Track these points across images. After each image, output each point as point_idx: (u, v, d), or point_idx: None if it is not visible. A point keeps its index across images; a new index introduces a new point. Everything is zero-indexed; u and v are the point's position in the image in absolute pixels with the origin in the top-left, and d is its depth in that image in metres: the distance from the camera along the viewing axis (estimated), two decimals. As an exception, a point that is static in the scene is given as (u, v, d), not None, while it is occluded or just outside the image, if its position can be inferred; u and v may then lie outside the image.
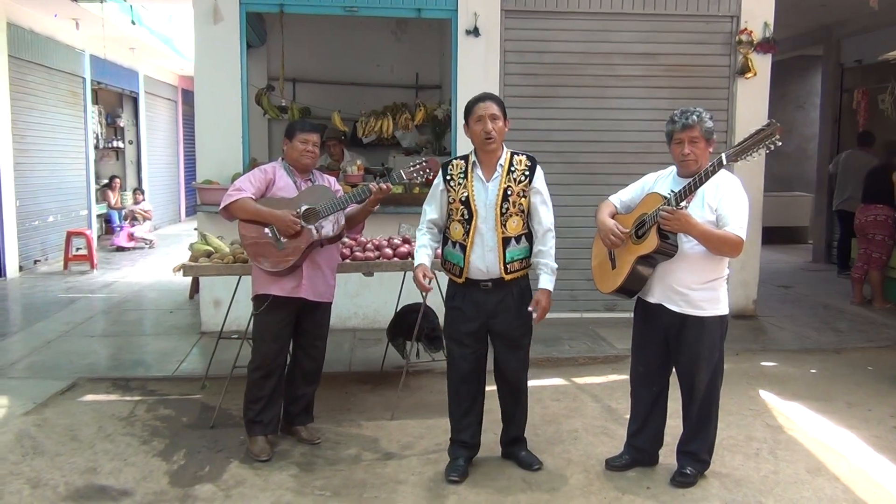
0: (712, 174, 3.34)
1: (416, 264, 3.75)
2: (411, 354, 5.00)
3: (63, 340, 6.43)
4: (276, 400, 4.13)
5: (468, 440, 3.83)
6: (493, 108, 3.61)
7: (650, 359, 3.78)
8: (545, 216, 3.72)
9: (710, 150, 3.56)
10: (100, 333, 6.79)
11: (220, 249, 4.71)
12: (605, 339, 6.40)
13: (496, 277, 3.64)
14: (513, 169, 3.66)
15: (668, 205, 3.35)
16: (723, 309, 3.62)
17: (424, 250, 3.78)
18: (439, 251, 3.90)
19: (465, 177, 3.68)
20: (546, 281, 3.70)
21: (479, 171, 3.67)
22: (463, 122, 3.75)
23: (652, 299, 3.65)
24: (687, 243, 3.48)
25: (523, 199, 3.65)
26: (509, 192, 3.63)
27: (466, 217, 3.65)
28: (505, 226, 3.62)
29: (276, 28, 8.10)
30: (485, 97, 3.67)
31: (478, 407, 3.86)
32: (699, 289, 3.54)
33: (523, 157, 3.71)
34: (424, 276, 3.67)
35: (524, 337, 3.80)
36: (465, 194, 3.65)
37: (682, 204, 3.38)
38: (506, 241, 3.62)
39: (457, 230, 3.69)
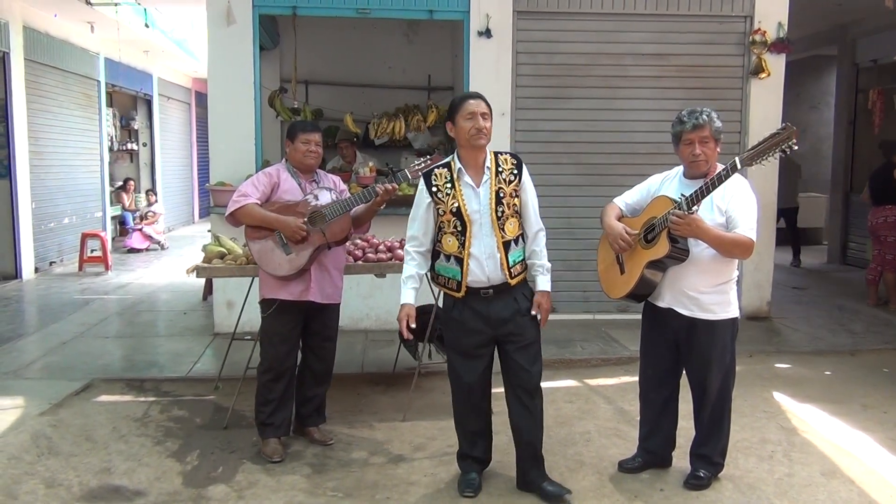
0: (725, 178, 3.30)
1: (401, 301, 3.52)
2: (423, 356, 5.00)
3: (78, 341, 6.47)
4: (286, 402, 4.14)
5: (480, 455, 3.70)
6: (484, 107, 3.44)
7: (659, 362, 3.76)
8: (535, 216, 3.57)
9: (718, 150, 3.53)
10: (114, 335, 6.83)
11: (233, 251, 4.73)
12: (617, 340, 6.38)
13: (499, 283, 3.46)
14: (500, 169, 3.48)
15: (679, 209, 3.32)
16: (733, 311, 3.60)
17: (412, 283, 3.55)
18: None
19: (453, 186, 3.47)
20: (544, 282, 3.56)
21: (466, 178, 3.47)
22: (447, 121, 3.53)
23: (662, 303, 3.63)
24: (696, 247, 3.45)
25: (516, 199, 3.49)
26: (502, 195, 3.45)
27: (460, 228, 3.45)
28: (503, 229, 3.45)
29: (288, 30, 8.12)
30: (475, 95, 3.50)
31: (488, 421, 3.71)
32: (710, 292, 3.52)
33: (507, 156, 3.54)
34: (408, 321, 3.49)
35: (537, 339, 3.57)
36: (456, 204, 3.45)
37: (694, 208, 3.34)
38: (507, 245, 3.46)
39: (450, 243, 3.48)
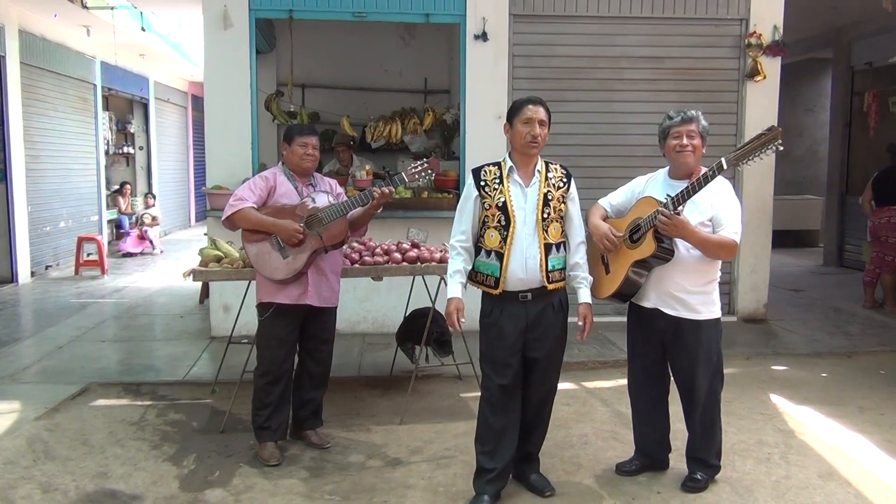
0: (712, 178, 3.34)
1: (448, 296, 3.47)
2: (420, 359, 5.00)
3: (74, 345, 6.46)
4: (284, 406, 4.13)
5: (504, 465, 3.52)
6: (543, 114, 3.46)
7: (647, 364, 3.77)
8: (580, 227, 3.60)
9: (704, 150, 3.57)
10: (111, 338, 6.82)
11: (229, 254, 4.72)
12: (614, 343, 6.38)
13: (537, 287, 3.44)
14: (550, 175, 3.51)
15: (666, 209, 3.35)
16: (717, 311, 3.63)
17: (459, 277, 3.49)
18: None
19: (501, 182, 3.48)
20: (587, 294, 3.56)
21: (515, 176, 3.48)
22: (505, 121, 3.55)
23: (647, 304, 3.64)
24: (682, 247, 3.47)
25: (563, 204, 3.51)
26: (550, 197, 3.47)
27: (504, 223, 3.43)
28: (547, 231, 3.44)
29: (285, 34, 8.12)
30: (536, 100, 3.50)
31: (516, 436, 3.57)
32: (695, 292, 3.54)
33: (557, 166, 3.58)
34: (459, 313, 3.43)
35: (562, 350, 3.61)
36: (503, 199, 3.44)
37: (679, 208, 3.37)
38: (548, 248, 3.44)
39: (493, 238, 3.46)
